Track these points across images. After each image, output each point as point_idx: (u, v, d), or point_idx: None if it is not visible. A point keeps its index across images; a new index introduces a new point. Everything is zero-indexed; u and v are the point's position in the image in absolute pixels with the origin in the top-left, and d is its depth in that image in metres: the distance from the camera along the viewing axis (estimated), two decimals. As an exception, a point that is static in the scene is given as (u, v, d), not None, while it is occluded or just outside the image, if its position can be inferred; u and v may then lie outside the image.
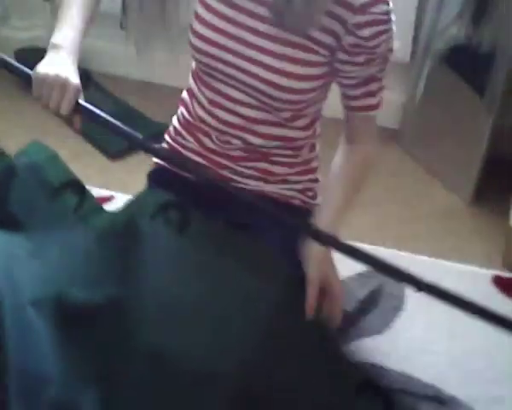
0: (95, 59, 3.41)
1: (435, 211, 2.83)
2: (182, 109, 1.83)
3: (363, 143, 1.73)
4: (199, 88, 1.74)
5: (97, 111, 1.59)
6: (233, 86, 1.64)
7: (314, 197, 1.85)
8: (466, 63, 2.93)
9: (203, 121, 1.73)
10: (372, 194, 2.85)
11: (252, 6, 1.58)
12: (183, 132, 1.81)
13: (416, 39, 3.15)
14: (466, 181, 2.89)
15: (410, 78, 3.19)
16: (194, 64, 1.74)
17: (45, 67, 1.56)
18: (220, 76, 1.65)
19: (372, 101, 1.66)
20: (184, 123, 1.81)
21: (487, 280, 2.35)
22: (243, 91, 1.63)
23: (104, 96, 3.29)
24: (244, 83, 1.61)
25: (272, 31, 1.55)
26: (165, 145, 1.88)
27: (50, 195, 1.90)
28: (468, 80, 2.92)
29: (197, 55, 1.66)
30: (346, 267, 2.15)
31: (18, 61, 3.33)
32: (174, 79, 3.07)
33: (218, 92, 1.68)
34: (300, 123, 1.70)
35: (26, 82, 1.59)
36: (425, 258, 2.46)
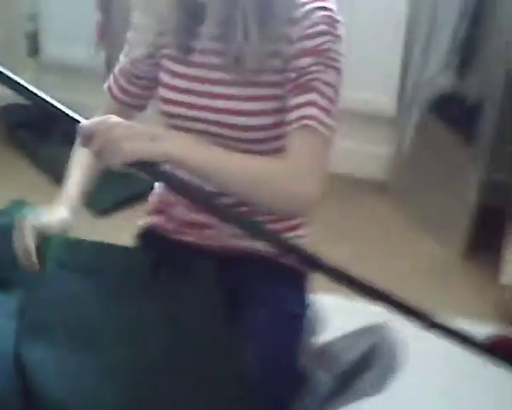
0: (81, 114, 3.38)
1: (427, 265, 2.80)
2: None
3: (290, 159, 1.50)
4: None
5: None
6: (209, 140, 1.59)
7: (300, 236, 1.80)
8: (453, 113, 2.93)
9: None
10: (361, 247, 2.82)
11: (205, 59, 1.60)
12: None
13: (401, 91, 3.15)
14: (457, 233, 2.86)
15: (397, 130, 3.18)
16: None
17: None
18: (197, 133, 1.61)
19: (310, 111, 1.49)
20: None
21: (481, 336, 2.29)
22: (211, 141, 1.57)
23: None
24: (209, 133, 1.59)
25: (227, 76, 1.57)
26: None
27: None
28: (456, 130, 2.91)
29: (170, 121, 1.66)
30: (336, 327, 2.12)
31: (2, 118, 3.37)
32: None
33: None
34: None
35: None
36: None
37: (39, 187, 2.97)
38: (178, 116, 1.63)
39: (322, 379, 1.97)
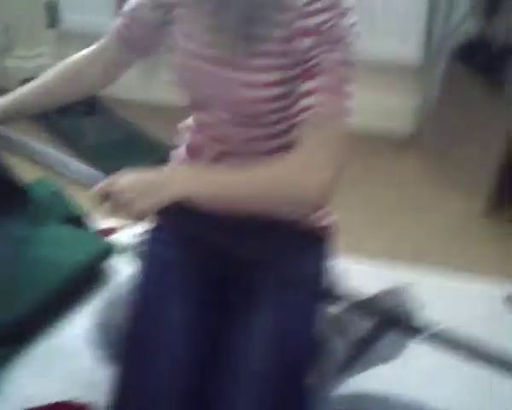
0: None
1: (451, 221, 2.73)
2: (186, 135, 1.78)
3: (298, 154, 1.46)
4: (194, 113, 1.72)
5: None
6: (221, 108, 1.58)
7: (325, 217, 1.75)
8: (481, 60, 2.85)
9: (202, 147, 1.69)
10: (386, 205, 2.77)
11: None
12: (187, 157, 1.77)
13: (428, 40, 3.06)
14: (483, 187, 2.78)
15: (424, 80, 3.10)
16: None
17: None
18: (207, 99, 1.60)
19: (319, 98, 1.44)
20: (187, 150, 1.76)
21: (500, 299, 2.27)
22: (231, 111, 1.57)
23: (113, 121, 3.24)
24: (227, 102, 1.56)
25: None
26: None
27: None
28: (484, 78, 2.83)
29: (183, 84, 1.64)
30: (361, 287, 2.08)
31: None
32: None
33: (211, 115, 1.63)
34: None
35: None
36: (438, 274, 2.37)
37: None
38: (196, 82, 1.60)
39: (339, 345, 1.94)
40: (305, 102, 1.46)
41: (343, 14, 1.44)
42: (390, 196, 2.85)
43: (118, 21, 1.79)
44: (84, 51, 1.87)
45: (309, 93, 1.45)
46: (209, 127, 1.65)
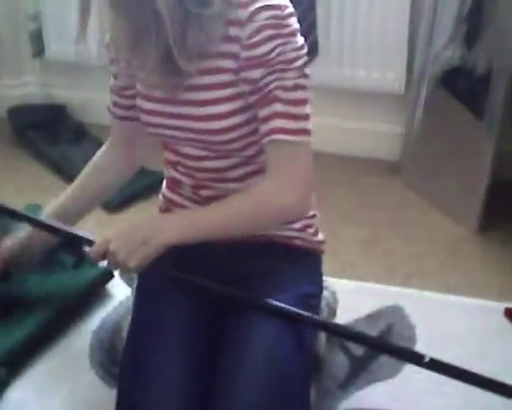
0: (89, 112, 3.39)
1: (442, 244, 2.75)
2: (164, 170, 1.81)
3: (269, 177, 1.54)
4: (165, 152, 1.75)
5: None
6: (185, 144, 1.63)
7: (315, 234, 1.78)
8: (463, 86, 2.88)
9: (179, 182, 1.73)
10: (375, 229, 2.79)
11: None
12: (169, 191, 1.81)
13: (409, 68, 3.11)
14: (471, 209, 2.81)
15: (407, 108, 3.14)
16: None
17: None
18: (171, 139, 1.65)
19: (276, 123, 1.49)
20: (169, 181, 1.80)
21: (499, 313, 2.28)
22: (196, 147, 1.61)
23: (99, 148, 3.24)
24: (189, 139, 1.60)
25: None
26: (161, 198, 1.85)
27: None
28: (466, 104, 2.86)
29: (148, 129, 1.68)
30: (354, 308, 2.11)
31: (10, 120, 3.38)
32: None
33: (178, 153, 1.68)
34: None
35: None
36: (434, 294, 2.38)
37: (48, 188, 2.96)
38: (159, 125, 1.63)
39: (340, 362, 1.96)
40: (263, 128, 1.51)
41: (289, 39, 1.47)
42: (379, 220, 2.87)
43: (109, 105, 1.83)
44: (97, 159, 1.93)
45: (266, 119, 1.50)
46: (180, 164, 1.69)
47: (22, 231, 1.89)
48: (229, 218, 1.56)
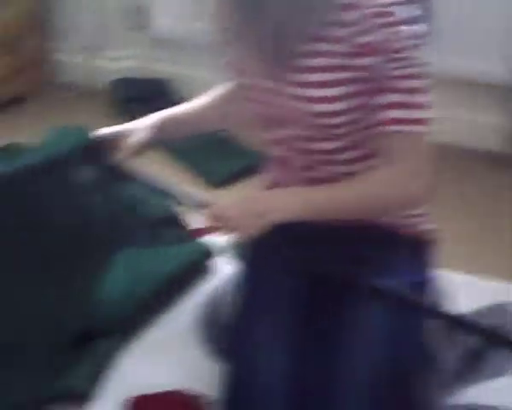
0: (189, 87, 3.40)
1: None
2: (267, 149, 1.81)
3: (392, 165, 1.52)
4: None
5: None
6: (285, 124, 1.63)
7: (424, 223, 1.75)
8: None
9: (284, 161, 1.73)
10: (486, 221, 2.74)
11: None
12: (273, 171, 1.81)
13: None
14: None
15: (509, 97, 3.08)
16: None
17: None
18: (272, 117, 1.65)
19: (390, 114, 1.48)
20: (273, 161, 1.80)
21: None
22: (297, 127, 1.61)
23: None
24: (290, 119, 1.60)
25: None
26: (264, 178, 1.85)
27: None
28: None
29: (246, 103, 1.70)
30: (461, 303, 2.06)
31: (113, 92, 3.42)
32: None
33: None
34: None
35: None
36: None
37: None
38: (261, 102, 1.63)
39: (449, 358, 1.92)
40: (377, 116, 1.49)
41: (402, 27, 1.44)
42: (486, 210, 2.83)
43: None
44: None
45: (381, 108, 1.48)
46: (285, 144, 1.68)
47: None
48: (349, 201, 1.56)
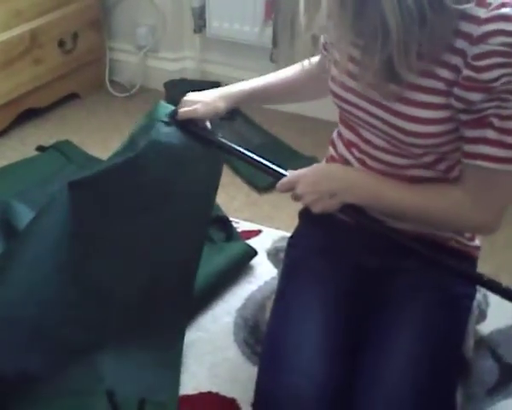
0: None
1: None
2: (330, 148, 1.79)
3: (467, 191, 1.52)
4: (342, 129, 1.72)
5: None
6: (370, 131, 1.60)
7: (471, 239, 1.74)
8: None
9: (347, 162, 1.70)
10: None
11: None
12: None
13: None
14: None
15: None
16: None
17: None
18: (357, 120, 1.62)
19: (484, 150, 1.44)
20: (331, 162, 1.77)
21: None
22: (380, 137, 1.58)
23: (252, 127, 3.27)
24: (378, 128, 1.56)
25: None
26: None
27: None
28: None
29: (335, 100, 1.65)
30: (505, 314, 2.04)
31: (167, 93, 3.44)
32: (324, 111, 3.03)
33: (358, 135, 1.65)
34: (443, 166, 1.59)
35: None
36: None
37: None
38: (353, 104, 1.60)
39: (489, 368, 1.90)
40: (467, 147, 1.47)
41: None
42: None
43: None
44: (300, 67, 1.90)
45: (474, 141, 1.45)
46: (356, 147, 1.67)
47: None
48: (417, 207, 1.55)
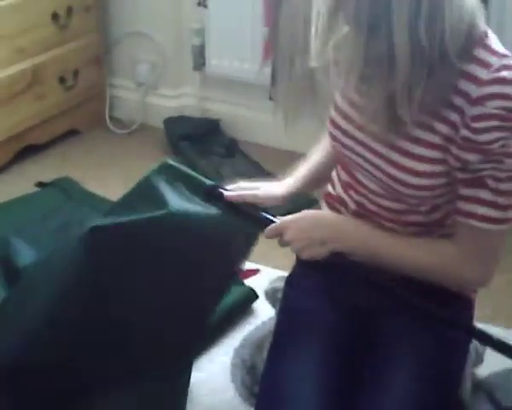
0: (242, 128, 3.42)
1: None
2: (329, 186, 1.79)
3: (458, 246, 1.53)
4: (340, 170, 1.72)
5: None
6: (367, 177, 1.60)
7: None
8: None
9: (344, 202, 1.70)
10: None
11: None
12: (326, 208, 1.78)
13: None
14: None
15: None
16: None
17: None
18: (355, 165, 1.62)
19: (478, 209, 1.46)
20: (329, 199, 1.77)
21: None
22: (377, 184, 1.59)
23: (250, 165, 3.28)
24: (373, 175, 1.57)
25: None
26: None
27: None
28: None
29: (335, 144, 1.66)
30: (503, 357, 2.03)
31: (166, 130, 3.46)
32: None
33: (354, 178, 1.65)
34: (438, 215, 1.60)
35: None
36: None
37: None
38: (348, 148, 1.61)
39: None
40: (460, 205, 1.48)
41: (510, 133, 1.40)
42: None
43: None
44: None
45: (467, 199, 1.47)
46: (354, 190, 1.67)
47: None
48: (407, 261, 1.56)
